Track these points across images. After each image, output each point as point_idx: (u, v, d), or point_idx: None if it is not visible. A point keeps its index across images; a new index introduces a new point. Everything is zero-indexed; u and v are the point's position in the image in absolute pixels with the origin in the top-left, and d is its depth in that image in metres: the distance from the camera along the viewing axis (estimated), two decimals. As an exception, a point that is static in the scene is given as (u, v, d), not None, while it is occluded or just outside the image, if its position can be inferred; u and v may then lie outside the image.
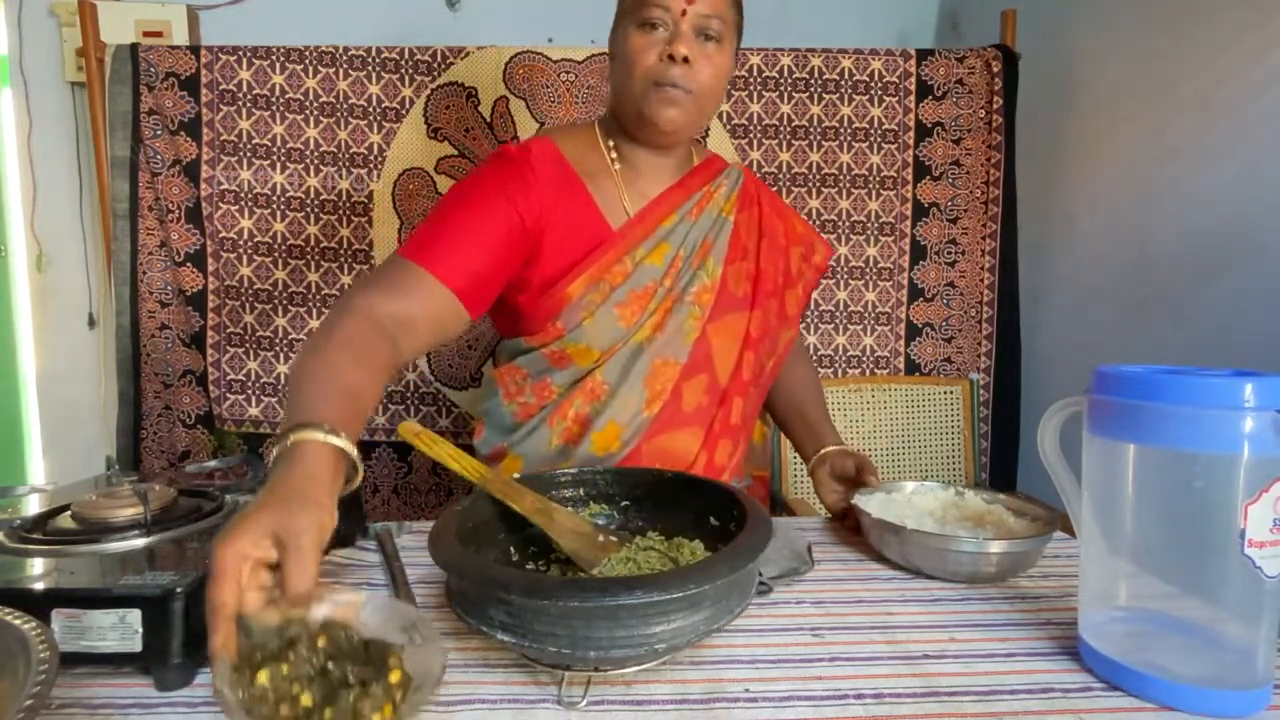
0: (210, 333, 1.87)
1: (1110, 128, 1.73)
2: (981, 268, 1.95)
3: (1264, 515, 0.50)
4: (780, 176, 1.91)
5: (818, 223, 1.93)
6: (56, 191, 2.10)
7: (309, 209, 1.86)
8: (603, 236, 0.95)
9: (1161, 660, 0.55)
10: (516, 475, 0.76)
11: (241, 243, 1.85)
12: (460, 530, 0.64)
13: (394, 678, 0.48)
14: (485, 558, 0.67)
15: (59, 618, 0.54)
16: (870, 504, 0.86)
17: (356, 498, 0.87)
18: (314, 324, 1.88)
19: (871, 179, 1.93)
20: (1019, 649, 0.62)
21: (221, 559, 0.48)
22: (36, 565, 0.60)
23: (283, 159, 1.84)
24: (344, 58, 1.82)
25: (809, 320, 1.95)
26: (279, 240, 1.86)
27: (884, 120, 1.91)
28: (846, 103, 1.90)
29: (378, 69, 1.83)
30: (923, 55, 1.90)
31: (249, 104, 1.82)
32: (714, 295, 0.99)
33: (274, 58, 1.81)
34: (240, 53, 1.81)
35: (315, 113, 1.84)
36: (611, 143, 1.00)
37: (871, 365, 1.96)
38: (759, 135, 1.90)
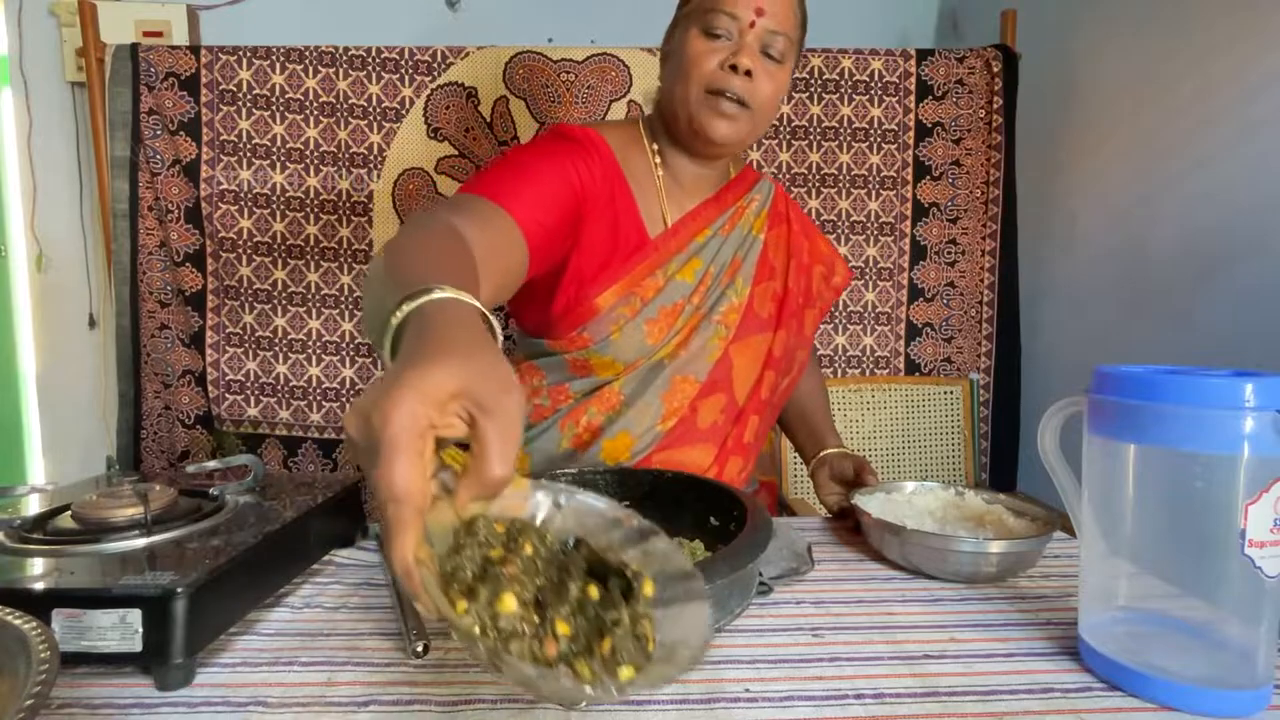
0: (210, 333, 1.87)
1: (1110, 127, 1.73)
2: (981, 268, 1.95)
3: (1264, 515, 0.50)
4: (780, 176, 1.91)
5: (817, 222, 1.93)
6: (56, 191, 2.10)
7: (309, 209, 1.86)
8: (640, 242, 0.93)
9: (1161, 660, 0.55)
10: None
11: (241, 243, 1.85)
12: (460, 530, 0.64)
13: (647, 589, 0.36)
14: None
15: (59, 617, 0.54)
16: (870, 504, 0.86)
17: (356, 497, 0.87)
18: (314, 324, 1.88)
19: (871, 179, 1.93)
20: (1019, 649, 0.62)
21: (397, 424, 0.34)
22: (37, 565, 0.60)
23: (282, 159, 1.84)
24: (344, 58, 1.83)
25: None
26: (278, 240, 1.86)
27: (884, 120, 1.91)
28: (846, 103, 1.90)
29: (378, 69, 1.83)
30: (923, 55, 1.90)
31: (249, 104, 1.82)
32: (740, 315, 0.98)
33: (274, 58, 1.81)
34: (240, 53, 1.81)
35: (315, 113, 1.84)
36: (656, 146, 0.97)
37: (871, 365, 1.96)
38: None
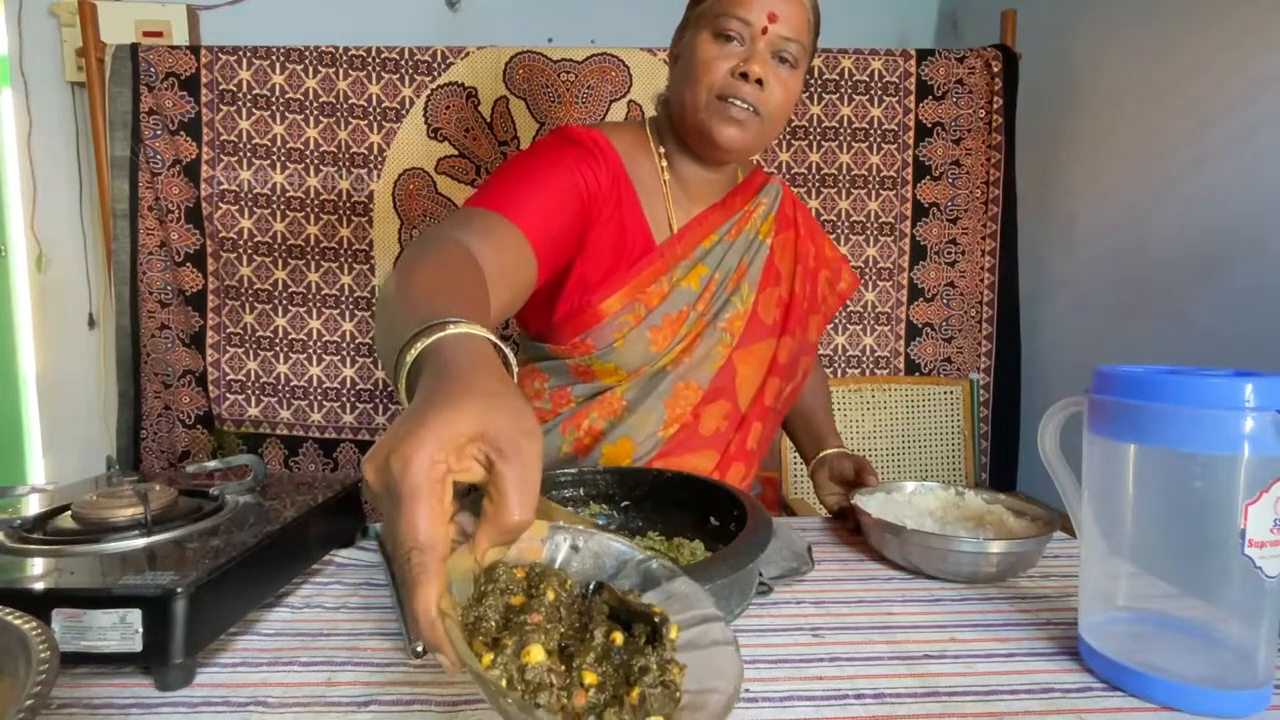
0: (210, 333, 1.87)
1: (1110, 128, 1.73)
2: (981, 268, 1.95)
3: (1264, 515, 0.50)
4: (780, 177, 1.91)
5: (817, 223, 1.93)
6: (56, 191, 2.10)
7: (309, 209, 1.86)
8: (645, 248, 0.92)
9: (1161, 660, 0.55)
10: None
11: (241, 243, 1.85)
12: (460, 530, 0.64)
13: (673, 633, 0.35)
14: (485, 558, 0.67)
15: (59, 618, 0.54)
16: (870, 504, 0.86)
17: (356, 497, 0.87)
18: (314, 324, 1.88)
19: (871, 179, 1.93)
20: (1019, 649, 0.62)
21: (417, 471, 0.33)
22: (37, 565, 0.60)
23: (283, 159, 1.84)
24: (344, 58, 1.83)
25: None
26: (279, 240, 1.86)
27: (884, 120, 1.91)
28: (846, 103, 1.90)
29: (378, 69, 1.83)
30: (923, 55, 1.90)
31: (249, 104, 1.82)
32: (745, 322, 0.96)
33: (274, 58, 1.81)
34: (240, 53, 1.81)
35: (315, 113, 1.84)
36: (663, 149, 0.95)
37: (871, 365, 1.96)
38: (759, 135, 1.90)
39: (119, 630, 0.54)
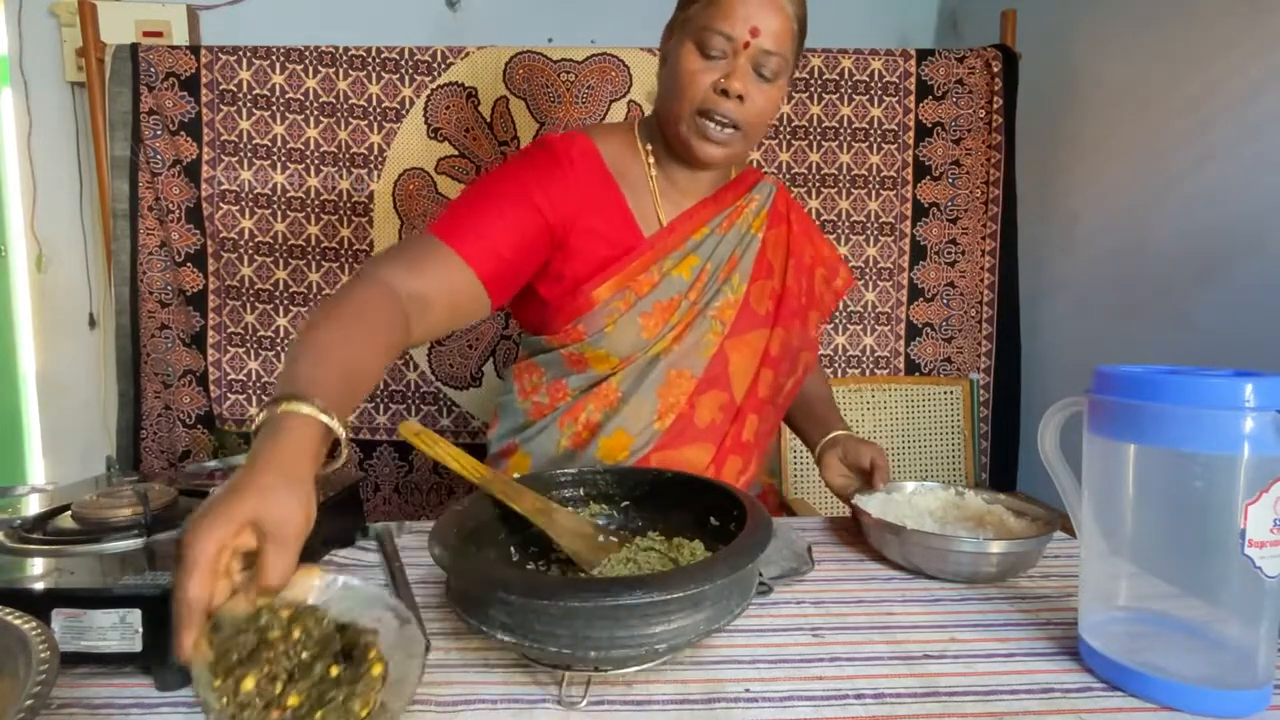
0: (211, 333, 1.87)
1: (1110, 127, 1.73)
2: (981, 268, 1.95)
3: (1264, 515, 0.50)
4: (780, 176, 1.91)
5: (817, 222, 1.93)
6: (56, 191, 2.10)
7: (309, 209, 1.86)
8: (634, 242, 0.93)
9: (1161, 660, 0.55)
10: (518, 476, 0.76)
11: (242, 243, 1.85)
12: (460, 530, 0.64)
13: (375, 670, 0.47)
14: (485, 558, 0.67)
15: (59, 618, 0.54)
16: (870, 504, 0.86)
17: (356, 497, 0.87)
18: (314, 324, 1.88)
19: (871, 179, 1.93)
20: (1019, 649, 0.62)
21: (199, 549, 0.45)
22: (36, 565, 0.60)
23: (283, 159, 1.84)
24: (344, 58, 1.83)
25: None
26: (279, 240, 1.86)
27: (884, 120, 1.91)
28: (846, 103, 1.90)
29: (378, 69, 1.83)
30: (923, 55, 1.90)
31: (249, 104, 1.82)
32: (736, 311, 0.97)
33: (274, 58, 1.81)
34: (240, 53, 1.81)
35: (315, 113, 1.84)
36: (650, 147, 0.97)
37: (871, 365, 1.96)
38: (759, 135, 1.90)
39: (119, 630, 0.54)
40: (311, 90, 1.83)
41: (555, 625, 0.51)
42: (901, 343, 1.97)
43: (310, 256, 1.87)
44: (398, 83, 1.84)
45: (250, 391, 1.89)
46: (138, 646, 0.54)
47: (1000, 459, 1.97)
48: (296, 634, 0.47)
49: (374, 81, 1.84)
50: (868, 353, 1.96)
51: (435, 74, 1.84)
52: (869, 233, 1.94)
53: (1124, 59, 1.69)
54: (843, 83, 1.90)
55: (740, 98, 0.86)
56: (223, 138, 1.82)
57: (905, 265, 1.95)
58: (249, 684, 0.43)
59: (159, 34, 2.03)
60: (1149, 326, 1.59)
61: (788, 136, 1.91)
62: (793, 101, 1.90)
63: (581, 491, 0.79)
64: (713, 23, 0.85)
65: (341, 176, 1.85)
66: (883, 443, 1.88)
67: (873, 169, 1.92)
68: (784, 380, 1.03)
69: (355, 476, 0.92)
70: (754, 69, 0.87)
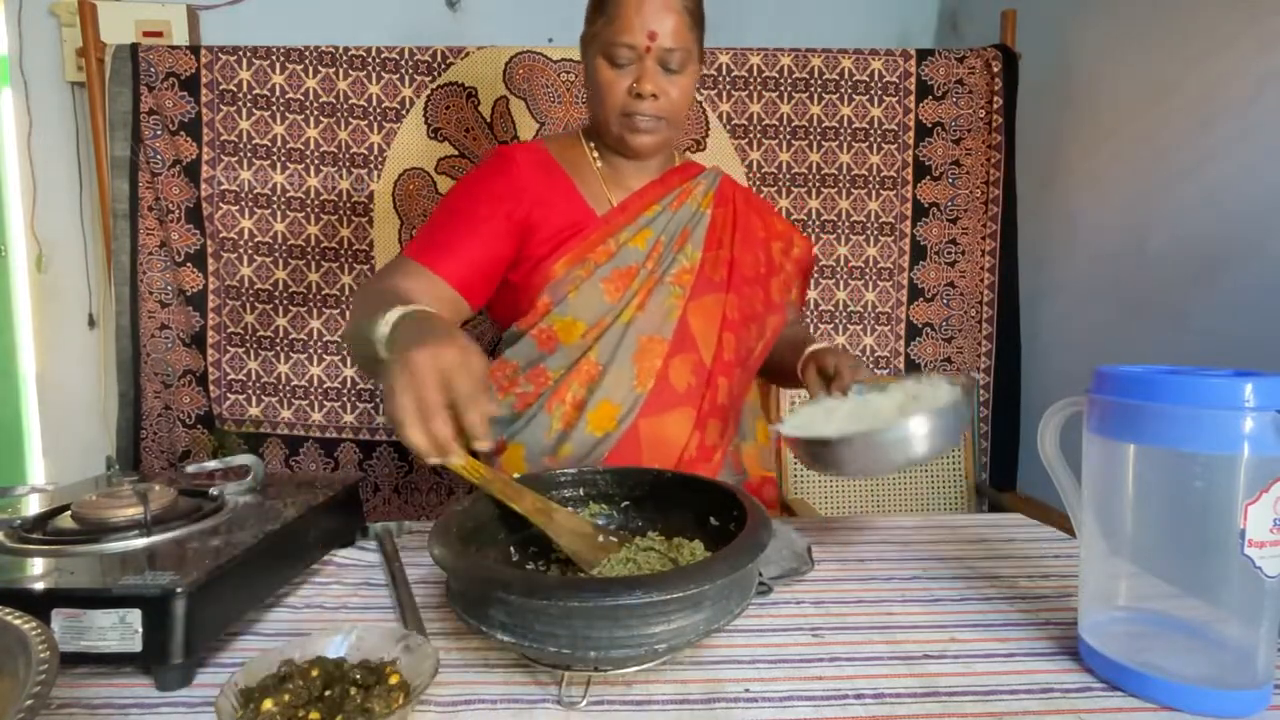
0: (210, 333, 1.87)
1: (1110, 127, 1.73)
2: (981, 268, 1.95)
3: (1264, 515, 0.50)
4: (780, 176, 1.91)
5: (817, 222, 1.93)
6: (56, 191, 2.10)
7: (309, 209, 1.86)
8: (588, 221, 1.01)
9: (1161, 660, 0.55)
10: (518, 475, 0.76)
11: (242, 243, 1.85)
12: (460, 530, 0.64)
13: (393, 680, 0.50)
14: (485, 558, 0.67)
15: (59, 618, 0.54)
16: (799, 419, 0.85)
17: (356, 497, 0.87)
18: (315, 324, 1.88)
19: (871, 179, 1.93)
20: (1019, 649, 0.62)
21: (429, 365, 0.60)
22: (36, 565, 0.60)
23: (283, 159, 1.84)
24: (344, 58, 1.83)
25: (808, 320, 1.95)
26: (279, 240, 1.86)
27: (884, 120, 1.91)
28: (846, 103, 1.90)
29: (378, 69, 1.83)
30: (923, 55, 1.90)
31: (249, 104, 1.82)
32: (694, 277, 1.03)
33: (274, 58, 1.81)
34: (240, 53, 1.81)
35: (315, 113, 1.84)
36: (593, 144, 1.06)
37: (871, 365, 1.96)
38: (759, 135, 1.90)
39: (119, 630, 0.54)
40: (311, 90, 1.83)
41: (555, 625, 0.51)
42: (901, 343, 1.97)
43: (310, 256, 1.87)
44: (398, 83, 1.84)
45: (250, 391, 1.89)
46: (137, 646, 0.54)
47: (1000, 459, 1.97)
48: (315, 673, 0.50)
49: (374, 81, 1.84)
50: (868, 353, 1.96)
51: (435, 74, 1.84)
52: (869, 233, 1.94)
53: (1124, 59, 1.69)
54: (843, 83, 1.90)
55: (654, 95, 0.95)
56: (223, 138, 1.82)
57: (905, 265, 1.95)
58: (269, 704, 0.47)
59: (159, 34, 2.03)
60: (1149, 326, 1.59)
61: (787, 136, 1.91)
62: (793, 101, 1.90)
63: (581, 491, 0.79)
64: (616, 36, 0.94)
65: (341, 176, 1.85)
66: (883, 443, 1.88)
67: (873, 169, 1.92)
68: (753, 344, 1.08)
69: (355, 476, 0.92)
70: (661, 67, 0.96)
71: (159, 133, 1.81)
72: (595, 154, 1.06)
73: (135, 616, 0.54)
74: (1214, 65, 1.44)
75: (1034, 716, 0.53)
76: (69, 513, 0.69)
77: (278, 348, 1.88)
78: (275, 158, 1.84)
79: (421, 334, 0.65)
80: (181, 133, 1.81)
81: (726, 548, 0.57)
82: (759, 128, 1.90)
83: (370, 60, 1.83)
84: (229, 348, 1.89)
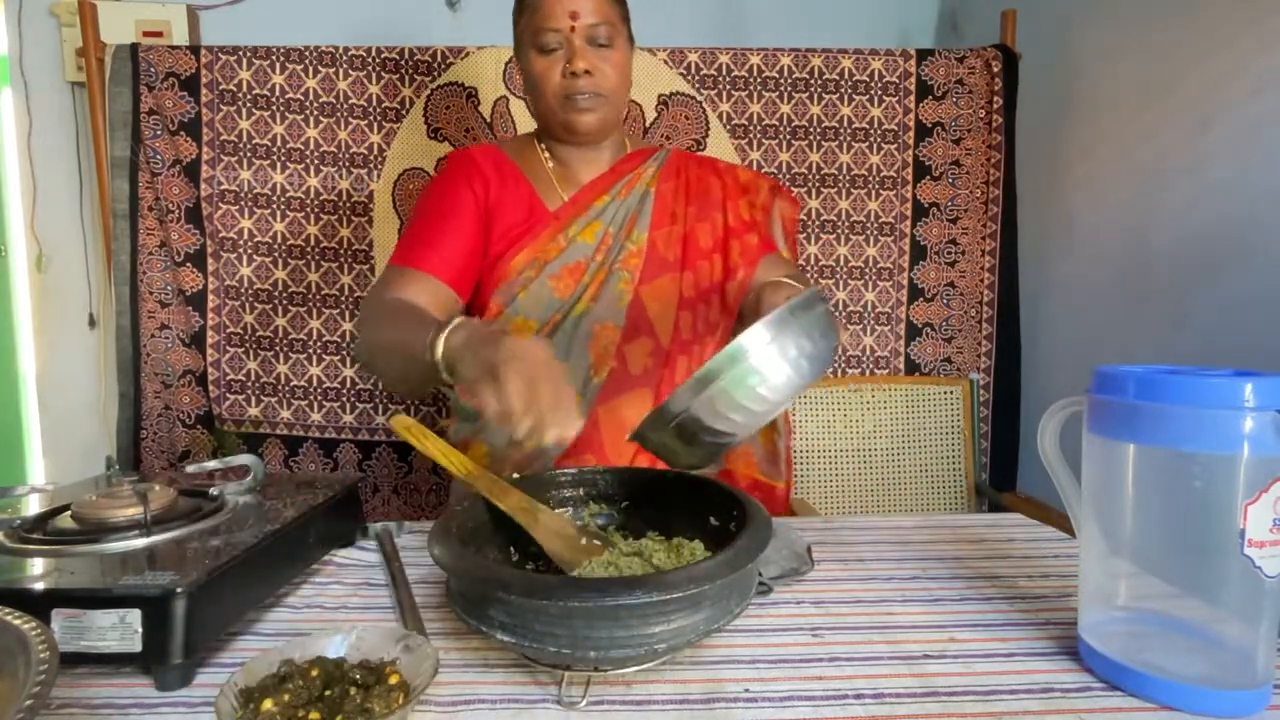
0: (210, 333, 1.87)
1: (1110, 127, 1.73)
2: (981, 268, 1.95)
3: (1264, 515, 0.50)
4: (780, 176, 1.91)
5: (817, 223, 1.93)
6: (56, 191, 2.10)
7: (309, 209, 1.86)
8: (541, 216, 1.04)
9: (1161, 660, 0.55)
10: (517, 476, 0.76)
11: (241, 243, 1.85)
12: (460, 530, 0.64)
13: (393, 680, 0.50)
14: (485, 558, 0.67)
15: (59, 618, 0.54)
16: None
17: (355, 497, 0.87)
18: (314, 324, 1.88)
19: (871, 179, 1.92)
20: (1019, 649, 0.62)
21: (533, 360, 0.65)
22: (36, 565, 0.60)
23: (283, 159, 1.84)
24: (344, 58, 1.82)
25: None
26: (279, 240, 1.86)
27: (884, 120, 1.91)
28: (846, 103, 1.90)
29: (378, 69, 1.83)
30: (923, 55, 1.90)
31: (249, 104, 1.82)
32: (642, 259, 1.05)
33: (274, 58, 1.81)
34: (240, 53, 1.81)
35: (315, 113, 1.83)
36: (543, 145, 1.09)
37: (871, 365, 1.96)
38: (759, 135, 1.90)
39: (118, 630, 0.54)
40: (311, 90, 1.83)
41: (555, 625, 0.51)
42: (901, 343, 1.97)
43: (310, 256, 1.87)
44: (398, 83, 1.84)
45: (249, 391, 1.89)
46: (137, 646, 0.54)
47: (1000, 459, 1.97)
48: (315, 673, 0.51)
49: (374, 81, 1.84)
50: (868, 353, 1.96)
51: (435, 74, 1.83)
52: (869, 233, 1.94)
53: (1124, 59, 1.69)
54: (843, 83, 1.90)
55: (589, 72, 0.98)
56: (222, 138, 1.82)
57: (905, 265, 1.95)
58: (268, 704, 0.47)
59: (159, 34, 2.03)
60: (1149, 326, 1.59)
61: (787, 136, 1.91)
62: (792, 101, 1.90)
63: (581, 491, 0.79)
64: (540, 25, 0.97)
65: (341, 176, 1.85)
66: (883, 443, 1.88)
67: (873, 169, 1.92)
68: (715, 317, 1.09)
69: (355, 477, 0.92)
70: (590, 44, 0.98)
71: (159, 133, 1.81)
72: (546, 153, 1.08)
73: (135, 616, 0.54)
74: (1214, 65, 1.44)
75: (1034, 716, 0.53)
76: (69, 513, 0.69)
77: (277, 348, 1.88)
78: (275, 158, 1.84)
79: (497, 335, 0.70)
80: (181, 133, 1.81)
81: (726, 548, 0.57)
82: (759, 128, 1.90)
83: (370, 60, 1.83)
84: (228, 348, 1.88)
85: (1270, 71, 1.32)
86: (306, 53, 1.82)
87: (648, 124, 1.88)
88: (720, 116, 1.89)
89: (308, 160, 1.84)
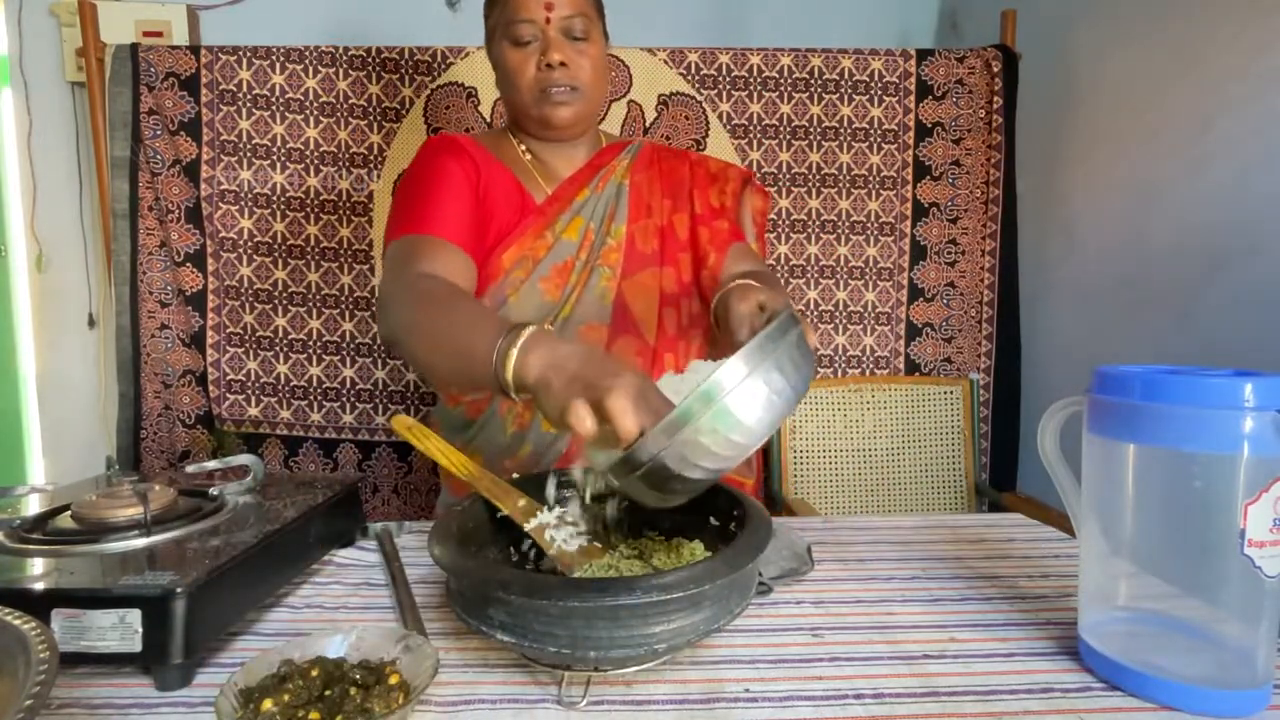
0: (210, 333, 1.87)
1: (1110, 127, 1.73)
2: (981, 268, 1.95)
3: (1264, 515, 0.50)
4: (780, 176, 1.91)
5: (817, 223, 1.93)
6: (56, 191, 2.10)
7: (309, 209, 1.86)
8: (528, 208, 1.02)
9: (1161, 660, 0.55)
10: (516, 476, 0.76)
11: (241, 243, 1.85)
12: (460, 530, 0.64)
13: (393, 680, 0.50)
14: (485, 558, 0.67)
15: (59, 618, 0.54)
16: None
17: (356, 497, 0.87)
18: (314, 324, 1.88)
19: (871, 179, 1.93)
20: (1019, 649, 0.62)
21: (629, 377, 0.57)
22: (36, 565, 0.60)
23: (283, 159, 1.84)
24: (344, 58, 1.82)
25: (808, 320, 1.95)
26: (279, 240, 1.86)
27: (884, 120, 1.91)
28: (846, 103, 1.90)
29: (378, 69, 1.83)
30: (923, 55, 1.90)
31: (249, 104, 1.82)
32: (622, 254, 1.03)
33: (274, 58, 1.81)
34: (240, 53, 1.81)
35: (315, 113, 1.84)
36: (519, 139, 1.07)
37: (871, 365, 1.96)
38: (759, 135, 1.90)
39: (118, 630, 0.54)
40: (311, 90, 1.83)
41: (554, 625, 0.51)
42: (901, 343, 1.97)
43: (309, 256, 1.87)
44: (398, 83, 1.84)
45: (249, 391, 1.89)
46: (137, 646, 0.54)
47: (1000, 459, 1.97)
48: (315, 673, 0.51)
49: (374, 81, 1.84)
50: (868, 353, 1.96)
51: (435, 74, 1.83)
52: (869, 233, 1.94)
53: (1124, 59, 1.69)
54: (843, 83, 1.90)
55: (564, 64, 0.96)
56: (222, 138, 1.82)
57: (905, 265, 1.95)
58: (268, 704, 0.47)
59: (159, 34, 2.03)
60: (1149, 326, 1.59)
61: (788, 136, 1.91)
62: (793, 101, 1.90)
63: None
64: (514, 16, 0.96)
65: (341, 176, 1.85)
66: (883, 443, 1.88)
67: (873, 169, 1.92)
68: (699, 312, 1.07)
69: (355, 477, 0.92)
70: (565, 36, 0.96)
71: (159, 133, 1.81)
72: (523, 148, 1.06)
73: (135, 616, 0.54)
74: (1214, 65, 1.44)
75: (1034, 716, 0.53)
76: (69, 513, 0.69)
77: (277, 348, 1.88)
78: (275, 158, 1.84)
79: (590, 353, 0.63)
80: (181, 133, 1.81)
81: (726, 548, 0.57)
82: (759, 128, 1.90)
83: (370, 60, 1.83)
84: (228, 348, 1.88)
85: (1270, 71, 1.32)
86: (306, 53, 1.82)
87: (648, 124, 1.88)
88: (720, 116, 1.89)
89: (308, 160, 1.84)
